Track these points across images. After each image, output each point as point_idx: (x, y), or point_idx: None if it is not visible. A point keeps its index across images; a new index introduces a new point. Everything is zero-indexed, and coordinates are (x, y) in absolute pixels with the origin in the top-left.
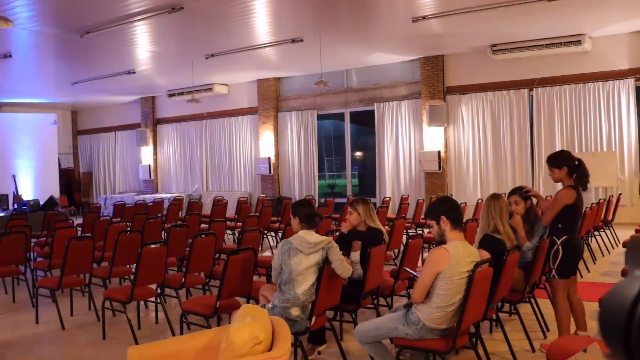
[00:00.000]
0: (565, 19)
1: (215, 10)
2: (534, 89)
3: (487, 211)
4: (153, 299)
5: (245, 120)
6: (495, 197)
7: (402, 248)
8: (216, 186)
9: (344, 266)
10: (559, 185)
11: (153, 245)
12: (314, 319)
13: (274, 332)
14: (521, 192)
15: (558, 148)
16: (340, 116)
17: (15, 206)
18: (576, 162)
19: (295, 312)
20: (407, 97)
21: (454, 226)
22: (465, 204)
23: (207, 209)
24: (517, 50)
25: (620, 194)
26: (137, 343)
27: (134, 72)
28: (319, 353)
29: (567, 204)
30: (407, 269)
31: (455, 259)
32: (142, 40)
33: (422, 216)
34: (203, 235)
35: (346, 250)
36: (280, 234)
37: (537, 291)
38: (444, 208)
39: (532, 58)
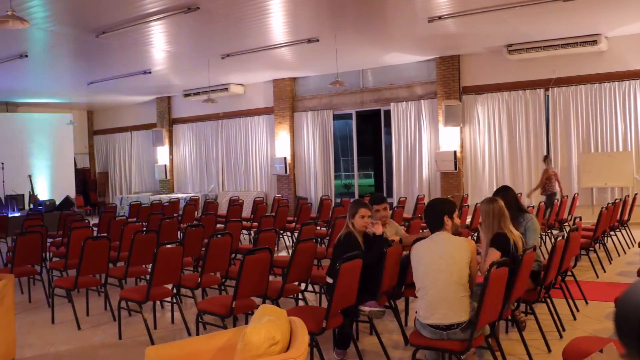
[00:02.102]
0: (581, 19)
1: (231, 10)
2: (550, 89)
3: (488, 214)
4: (169, 299)
5: (261, 120)
6: (491, 200)
7: None
8: (232, 186)
9: None
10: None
11: (169, 245)
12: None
13: (291, 332)
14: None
15: (574, 148)
16: (356, 116)
17: (31, 206)
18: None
19: None
20: (423, 97)
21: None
22: None
23: (223, 209)
24: (533, 50)
25: (636, 193)
26: (153, 343)
27: (150, 72)
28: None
29: None
30: None
31: (418, 248)
32: (158, 40)
33: None
34: (219, 235)
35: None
36: (296, 234)
37: (553, 291)
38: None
39: (548, 58)
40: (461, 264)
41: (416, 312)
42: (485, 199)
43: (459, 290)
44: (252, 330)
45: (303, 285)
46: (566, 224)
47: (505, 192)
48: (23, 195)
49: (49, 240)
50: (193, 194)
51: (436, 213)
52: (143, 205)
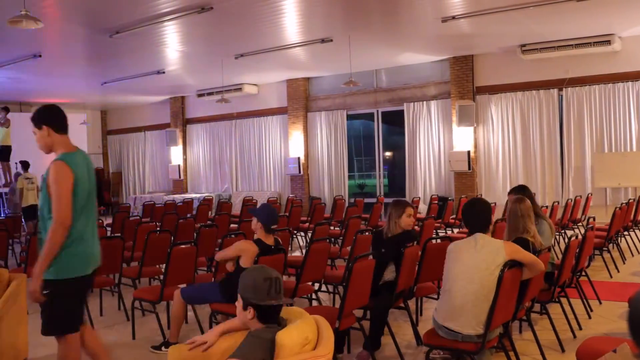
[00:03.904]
0: (595, 19)
1: (245, 10)
2: (564, 89)
3: (515, 214)
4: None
5: (275, 120)
6: (520, 200)
7: None
8: (246, 186)
9: None
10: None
11: (183, 245)
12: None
13: (318, 330)
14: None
15: (588, 148)
16: (370, 116)
17: None
18: None
19: None
20: (436, 97)
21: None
22: (495, 204)
23: (236, 209)
24: (546, 50)
25: None
26: None
27: (164, 72)
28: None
29: None
30: None
31: (457, 247)
32: (172, 40)
33: (452, 216)
34: (233, 235)
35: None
36: (309, 234)
37: (568, 290)
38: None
39: (562, 58)
40: (495, 276)
41: (435, 310)
42: (513, 198)
43: (485, 303)
44: (284, 334)
45: (317, 286)
46: (580, 223)
47: (522, 193)
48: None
49: None
50: (207, 194)
51: (484, 213)
52: (157, 205)
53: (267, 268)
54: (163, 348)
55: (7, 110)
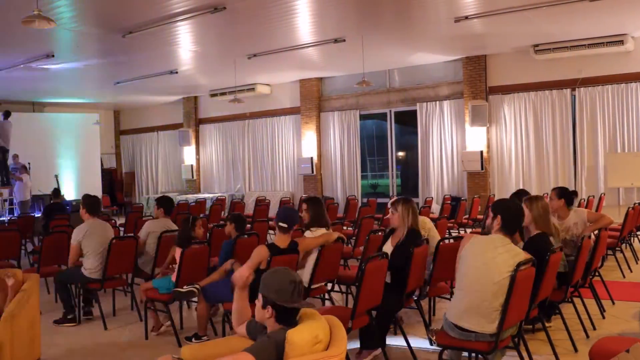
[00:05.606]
0: (607, 19)
1: (258, 10)
2: (577, 89)
3: (531, 213)
4: (195, 298)
5: (288, 120)
6: (536, 198)
7: None
8: (258, 186)
9: None
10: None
11: (195, 246)
12: None
13: (330, 331)
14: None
15: (600, 148)
16: (383, 116)
17: None
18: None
19: None
20: (449, 97)
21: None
22: None
23: (249, 209)
24: (559, 50)
25: None
26: (179, 343)
27: (177, 72)
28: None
29: None
30: None
31: (477, 246)
32: (185, 41)
33: (465, 216)
34: (246, 236)
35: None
36: None
37: (581, 290)
38: (501, 208)
39: (575, 58)
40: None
41: (446, 312)
42: (527, 197)
43: (498, 305)
44: (294, 332)
45: (330, 286)
46: None
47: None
48: (50, 195)
49: None
50: (220, 194)
51: (520, 219)
52: None
53: (292, 272)
54: (193, 340)
55: (8, 114)
